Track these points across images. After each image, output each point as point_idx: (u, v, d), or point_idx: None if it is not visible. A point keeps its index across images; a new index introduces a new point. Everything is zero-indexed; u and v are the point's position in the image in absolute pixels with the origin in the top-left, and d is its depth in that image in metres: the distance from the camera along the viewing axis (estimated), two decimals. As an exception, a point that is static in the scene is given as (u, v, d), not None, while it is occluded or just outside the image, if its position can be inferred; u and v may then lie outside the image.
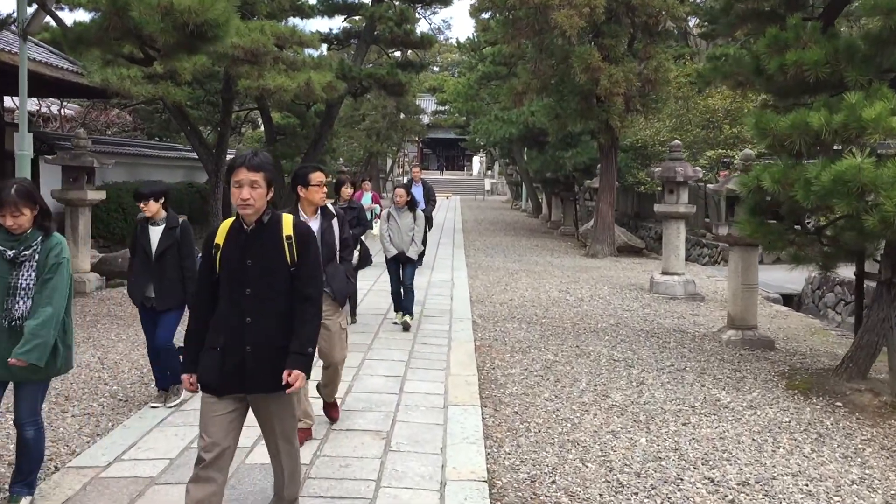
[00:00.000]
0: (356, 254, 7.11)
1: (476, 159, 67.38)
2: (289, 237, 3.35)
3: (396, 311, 8.65)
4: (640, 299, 11.17)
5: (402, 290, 8.51)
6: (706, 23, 25.67)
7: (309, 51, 18.68)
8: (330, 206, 5.06)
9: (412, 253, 8.42)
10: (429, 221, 12.60)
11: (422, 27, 22.83)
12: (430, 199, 13.07)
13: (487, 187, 52.56)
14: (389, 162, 50.34)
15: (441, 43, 73.28)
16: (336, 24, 52.23)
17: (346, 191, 8.35)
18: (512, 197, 43.10)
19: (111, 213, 15.98)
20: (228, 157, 19.94)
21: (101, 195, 12.42)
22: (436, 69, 74.76)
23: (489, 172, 61.55)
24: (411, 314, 8.54)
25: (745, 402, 6.10)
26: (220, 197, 17.10)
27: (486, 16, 31.32)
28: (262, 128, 24.62)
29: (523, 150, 30.27)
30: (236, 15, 8.71)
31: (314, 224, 4.78)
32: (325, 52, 26.69)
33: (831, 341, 9.11)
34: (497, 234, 22.21)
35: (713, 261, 16.72)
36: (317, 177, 4.86)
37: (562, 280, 12.74)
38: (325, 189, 8.42)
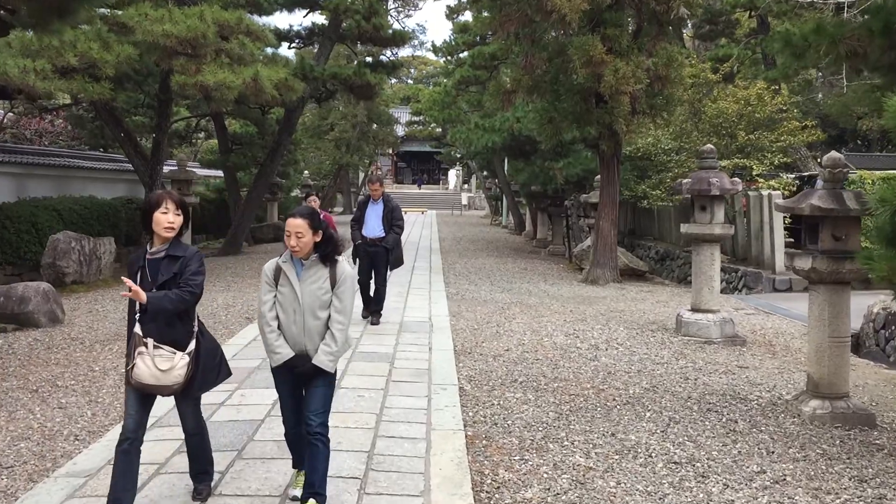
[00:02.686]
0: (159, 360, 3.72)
1: (452, 172, 65.13)
2: None
3: (294, 465, 4.28)
4: (668, 345, 8.81)
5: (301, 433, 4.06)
6: (705, 24, 23.70)
7: (269, 50, 16.30)
8: None
9: (324, 358, 3.92)
10: (393, 254, 9.30)
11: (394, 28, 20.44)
12: (393, 223, 9.22)
13: (464, 201, 50.30)
14: (361, 175, 47.81)
15: (414, 57, 71.12)
16: (297, 20, 49.72)
17: (167, 219, 3.83)
18: (491, 212, 40.82)
19: (21, 235, 13.33)
20: (168, 168, 17.44)
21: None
22: (410, 81, 72.66)
23: (465, 186, 59.35)
24: (319, 497, 3.84)
25: (918, 558, 3.73)
26: (155, 215, 14.46)
27: (463, 18, 29.17)
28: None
29: (504, 161, 28.03)
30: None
31: None
32: (291, 56, 24.29)
33: (935, 408, 6.81)
34: (479, 255, 19.82)
35: (733, 287, 14.47)
36: None
37: (565, 317, 10.35)
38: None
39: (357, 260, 9.28)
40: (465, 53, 27.29)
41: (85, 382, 6.59)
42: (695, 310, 9.45)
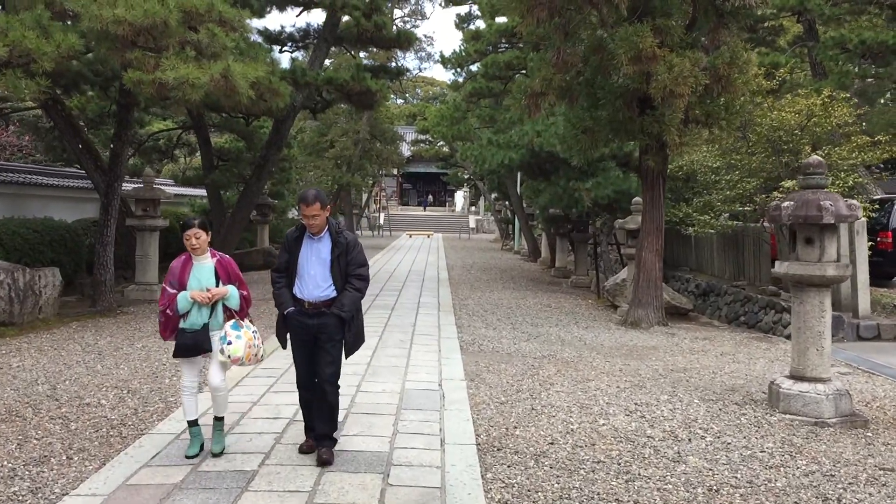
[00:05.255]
0: None
1: (459, 194, 63.02)
2: None
3: None
4: (768, 429, 6.37)
5: None
6: (744, 32, 21.39)
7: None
8: None
9: None
10: (351, 330, 5.20)
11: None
12: (350, 275, 5.14)
13: (472, 224, 48.00)
14: (364, 196, 45.55)
15: (420, 76, 69.09)
16: (290, 20, 47.35)
17: None
18: (501, 236, 38.46)
19: (-57, 265, 10.96)
20: (134, 185, 15.15)
21: None
22: (416, 101, 70.85)
23: (473, 209, 57.12)
24: None
25: None
26: (110, 239, 12.18)
27: (474, 26, 27.03)
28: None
29: (517, 181, 25.75)
30: None
31: None
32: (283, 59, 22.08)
33: None
34: (493, 287, 17.42)
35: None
36: None
37: (617, 381, 7.92)
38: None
39: (286, 342, 5.32)
40: (476, 66, 25.14)
41: None
42: (797, 377, 7.03)
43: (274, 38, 17.30)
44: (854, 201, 7.00)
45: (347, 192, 36.09)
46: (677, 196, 16.58)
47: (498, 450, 5.51)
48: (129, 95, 12.27)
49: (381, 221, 45.95)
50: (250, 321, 5.29)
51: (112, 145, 13.02)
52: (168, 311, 5.07)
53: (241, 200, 16.49)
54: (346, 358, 5.26)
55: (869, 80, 20.32)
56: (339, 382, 5.24)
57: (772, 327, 12.79)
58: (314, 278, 5.11)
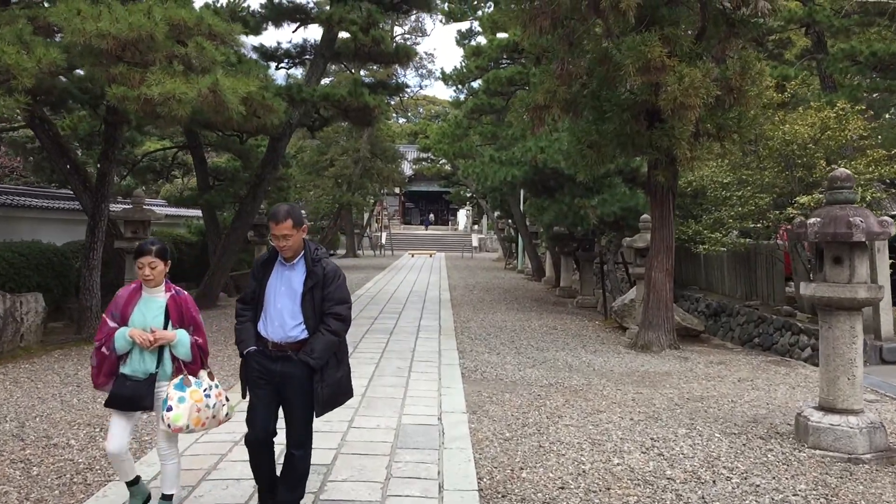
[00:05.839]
0: None
1: (462, 213, 62.58)
2: None
3: None
4: (798, 467, 5.81)
5: None
6: (750, 44, 20.99)
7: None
8: None
9: None
10: (325, 381, 4.26)
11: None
12: (328, 312, 4.21)
13: (475, 243, 47.45)
14: (366, 215, 45.09)
15: (421, 94, 68.94)
16: (286, 36, 47.11)
17: None
18: (504, 255, 37.93)
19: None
20: (121, 206, 14.70)
21: None
22: (416, 119, 70.67)
23: (476, 227, 56.63)
24: None
25: None
26: (97, 262, 11.68)
27: (475, 42, 26.68)
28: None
29: (520, 199, 25.27)
30: None
31: None
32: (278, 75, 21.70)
33: None
34: (497, 308, 16.87)
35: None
36: None
37: (630, 413, 7.36)
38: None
39: (247, 391, 4.36)
40: (478, 83, 24.78)
41: None
42: (826, 409, 6.47)
43: (270, 54, 16.91)
44: (886, 218, 6.48)
45: (348, 211, 35.64)
46: (685, 213, 16.08)
47: (503, 496, 4.96)
48: (116, 113, 11.82)
49: (383, 241, 45.50)
50: (209, 374, 4.42)
51: (99, 164, 12.54)
52: (104, 348, 4.23)
53: (237, 221, 16.03)
54: (318, 416, 4.28)
55: (875, 94, 19.85)
56: (318, 433, 4.56)
57: (788, 350, 12.23)
58: (280, 314, 4.19)
